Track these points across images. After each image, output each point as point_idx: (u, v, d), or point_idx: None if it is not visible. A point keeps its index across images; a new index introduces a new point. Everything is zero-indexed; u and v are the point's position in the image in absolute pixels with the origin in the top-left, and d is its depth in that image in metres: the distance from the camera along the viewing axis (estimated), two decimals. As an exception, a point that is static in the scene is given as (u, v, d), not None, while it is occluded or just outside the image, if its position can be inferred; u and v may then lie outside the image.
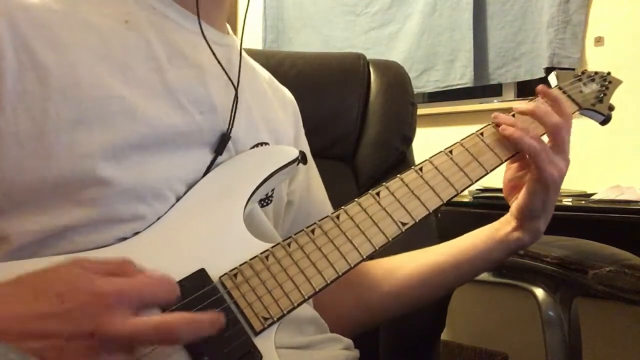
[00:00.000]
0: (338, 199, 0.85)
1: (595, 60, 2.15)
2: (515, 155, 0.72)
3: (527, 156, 0.70)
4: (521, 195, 0.71)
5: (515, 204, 0.72)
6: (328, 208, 0.83)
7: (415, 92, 1.25)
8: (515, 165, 0.75)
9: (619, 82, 0.86)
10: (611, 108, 0.84)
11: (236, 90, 0.66)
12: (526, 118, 0.72)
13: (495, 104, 2.53)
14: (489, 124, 0.73)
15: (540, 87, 0.75)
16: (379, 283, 0.77)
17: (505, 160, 0.71)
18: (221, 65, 0.65)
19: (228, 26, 0.73)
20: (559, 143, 0.70)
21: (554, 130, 0.70)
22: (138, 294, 0.42)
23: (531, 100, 0.78)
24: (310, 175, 0.82)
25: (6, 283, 0.41)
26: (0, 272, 0.48)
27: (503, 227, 0.74)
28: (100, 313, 0.39)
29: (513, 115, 0.74)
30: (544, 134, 0.72)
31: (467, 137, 0.71)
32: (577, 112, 0.81)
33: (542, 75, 2.28)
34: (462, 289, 1.09)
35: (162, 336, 0.41)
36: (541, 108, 0.72)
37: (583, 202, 1.67)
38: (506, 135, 0.70)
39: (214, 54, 0.64)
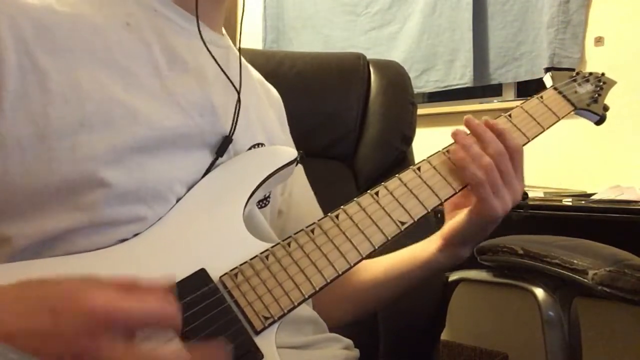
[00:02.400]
0: (338, 199, 0.85)
1: (595, 60, 2.15)
2: None
3: (469, 186, 0.66)
4: (457, 220, 0.71)
5: (448, 226, 0.72)
6: (310, 212, 0.81)
7: (415, 92, 1.25)
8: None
9: (613, 82, 0.87)
10: (606, 108, 0.85)
11: (239, 92, 0.66)
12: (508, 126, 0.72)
13: (495, 104, 2.53)
14: None
15: (467, 118, 0.71)
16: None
17: None
18: (222, 70, 0.65)
19: (223, 28, 0.73)
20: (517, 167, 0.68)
21: (478, 183, 0.66)
22: (134, 320, 0.40)
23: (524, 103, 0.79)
24: (293, 179, 0.80)
25: (5, 293, 0.41)
26: (2, 273, 0.48)
27: (427, 247, 0.75)
28: (90, 335, 0.38)
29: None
30: (525, 143, 0.71)
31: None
32: (573, 112, 0.82)
33: (542, 75, 2.28)
34: (462, 289, 1.09)
35: None
36: (488, 134, 0.68)
37: (583, 202, 1.67)
38: (455, 160, 0.67)
39: (214, 58, 0.64)
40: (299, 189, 0.82)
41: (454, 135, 0.69)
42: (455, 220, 0.71)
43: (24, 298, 0.40)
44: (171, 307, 0.41)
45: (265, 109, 0.76)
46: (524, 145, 0.73)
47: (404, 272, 0.76)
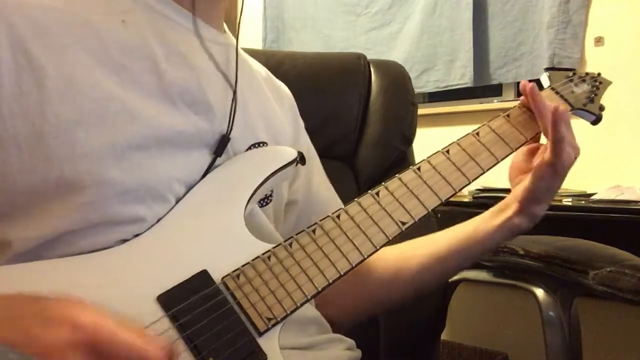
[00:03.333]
0: (339, 199, 0.85)
1: (595, 60, 2.15)
2: (514, 151, 0.73)
3: (551, 137, 0.70)
4: (530, 179, 0.72)
5: (521, 187, 0.73)
6: (332, 201, 0.83)
7: (415, 92, 1.25)
8: (524, 149, 0.76)
9: (609, 82, 0.88)
10: (602, 108, 0.85)
11: (234, 90, 0.66)
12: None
13: (495, 104, 2.53)
14: (484, 124, 0.74)
15: (523, 85, 0.77)
16: (384, 277, 0.79)
17: (501, 160, 0.72)
18: (218, 66, 0.65)
19: (225, 25, 0.73)
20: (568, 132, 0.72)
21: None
22: (114, 343, 0.41)
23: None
24: (313, 171, 0.82)
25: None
26: (3, 275, 0.48)
27: (503, 211, 0.75)
28: (71, 346, 0.39)
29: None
30: (524, 142, 0.74)
31: (463, 137, 0.72)
32: (569, 112, 0.82)
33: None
34: (462, 289, 1.09)
35: None
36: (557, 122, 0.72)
37: (583, 202, 1.67)
38: (541, 109, 0.72)
39: (210, 54, 0.64)
40: (318, 180, 0.83)
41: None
42: (527, 181, 0.73)
43: (15, 302, 0.42)
44: (156, 350, 0.42)
45: (270, 106, 0.75)
46: (523, 144, 0.74)
47: (472, 244, 0.76)
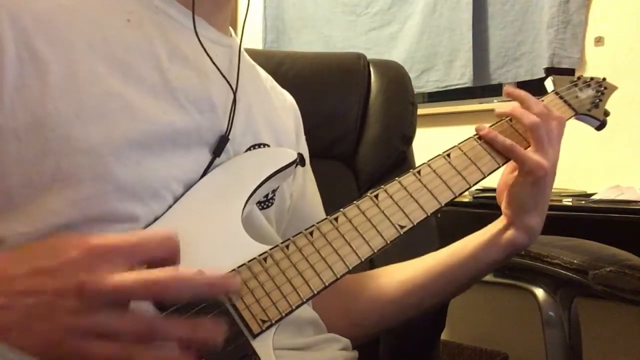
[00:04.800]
0: (338, 200, 0.84)
1: (595, 60, 2.15)
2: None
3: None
4: (510, 191, 0.72)
5: (504, 200, 0.73)
6: (321, 212, 0.82)
7: (415, 92, 1.25)
8: (508, 169, 0.75)
9: (615, 88, 0.87)
10: (606, 113, 0.84)
11: (234, 91, 0.66)
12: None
13: (495, 104, 2.52)
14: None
15: (506, 88, 0.76)
16: (371, 297, 0.77)
17: (503, 164, 0.71)
18: (215, 65, 0.65)
19: (231, 28, 0.73)
20: (538, 141, 0.70)
21: (532, 129, 0.70)
22: (131, 249, 0.43)
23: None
24: (307, 179, 0.82)
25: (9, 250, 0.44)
26: None
27: (494, 227, 0.74)
28: (88, 268, 0.40)
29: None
30: (527, 147, 0.72)
31: (464, 140, 0.72)
32: (574, 117, 0.81)
33: (543, 75, 2.28)
34: (462, 289, 1.09)
35: (151, 292, 0.42)
36: (532, 98, 0.73)
37: (583, 202, 1.67)
38: (482, 134, 0.71)
39: (207, 53, 0.64)
40: (311, 190, 0.82)
41: (508, 93, 0.74)
42: (506, 193, 0.72)
43: (20, 251, 0.43)
44: (169, 237, 0.44)
45: (274, 109, 0.75)
46: (525, 148, 0.72)
47: (464, 260, 0.74)
